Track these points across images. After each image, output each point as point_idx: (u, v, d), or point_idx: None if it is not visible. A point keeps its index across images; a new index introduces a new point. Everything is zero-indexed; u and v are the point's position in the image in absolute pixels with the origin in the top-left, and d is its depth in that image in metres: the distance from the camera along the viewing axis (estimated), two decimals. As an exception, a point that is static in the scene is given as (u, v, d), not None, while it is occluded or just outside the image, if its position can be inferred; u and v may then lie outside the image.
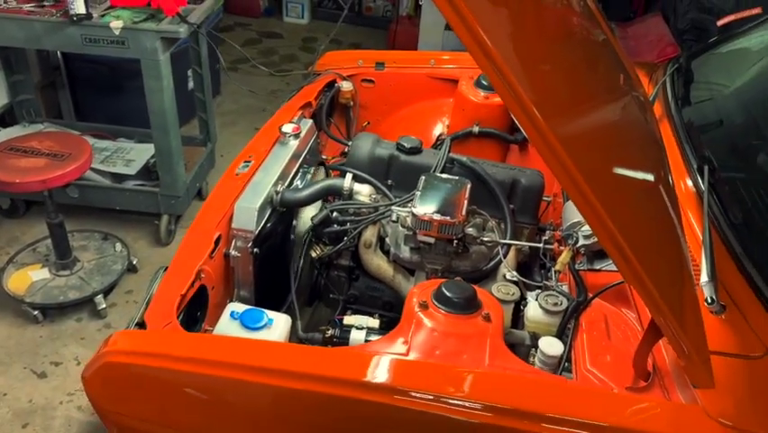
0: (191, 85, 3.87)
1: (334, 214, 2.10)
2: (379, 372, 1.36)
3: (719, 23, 4.07)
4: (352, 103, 2.88)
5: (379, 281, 2.21)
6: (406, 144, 2.21)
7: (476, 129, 2.64)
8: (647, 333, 1.35)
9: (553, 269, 2.02)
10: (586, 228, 1.82)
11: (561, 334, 1.71)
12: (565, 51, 1.51)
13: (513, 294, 1.78)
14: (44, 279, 2.99)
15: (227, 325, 1.63)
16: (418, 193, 1.98)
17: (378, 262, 2.16)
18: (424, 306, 1.56)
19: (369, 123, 2.97)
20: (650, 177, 1.57)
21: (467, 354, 1.46)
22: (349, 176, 2.15)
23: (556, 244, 2.04)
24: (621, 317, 1.71)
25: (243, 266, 2.02)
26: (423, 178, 2.04)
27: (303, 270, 2.15)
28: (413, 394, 1.32)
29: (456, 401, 1.31)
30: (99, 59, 3.67)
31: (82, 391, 2.65)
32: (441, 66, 2.85)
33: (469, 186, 2.03)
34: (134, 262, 3.19)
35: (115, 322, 2.97)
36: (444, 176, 2.07)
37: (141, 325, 1.62)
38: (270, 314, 1.67)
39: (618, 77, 1.85)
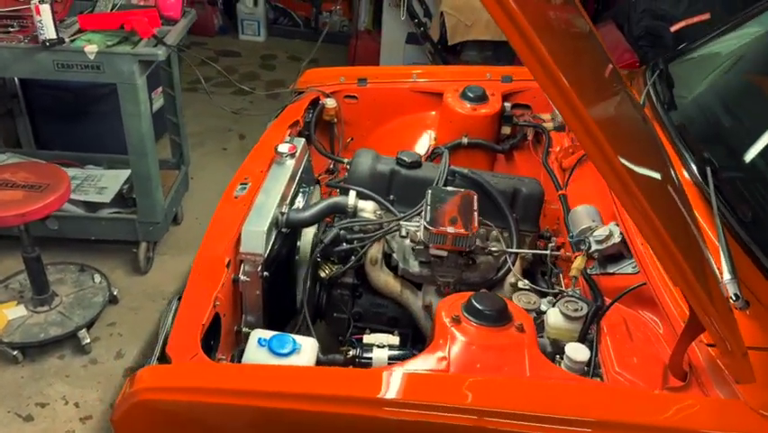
0: (156, 106, 3.77)
1: (341, 232, 2.08)
2: (437, 391, 1.34)
3: (672, 29, 4.24)
4: (336, 120, 2.87)
5: (382, 297, 2.20)
6: (406, 159, 2.21)
7: (465, 140, 2.67)
8: (684, 333, 1.38)
9: (565, 275, 2.06)
10: (598, 233, 1.86)
11: (582, 339, 1.73)
12: (584, 50, 1.55)
13: (534, 303, 1.79)
14: (21, 316, 2.84)
15: (255, 352, 1.58)
16: (428, 207, 1.98)
17: (385, 279, 2.15)
18: (456, 320, 1.56)
19: (352, 139, 2.96)
20: (664, 175, 1.62)
21: (507, 367, 1.47)
22: (353, 193, 2.13)
23: (563, 250, 2.08)
24: (639, 319, 1.75)
25: (252, 291, 1.98)
26: (429, 191, 2.04)
27: (310, 290, 2.12)
28: (479, 412, 1.31)
29: (519, 414, 1.31)
30: (60, 84, 3.56)
31: (74, 432, 2.54)
32: (423, 80, 2.87)
33: (476, 197, 2.04)
34: (115, 293, 3.08)
35: (101, 357, 2.85)
36: (450, 189, 2.08)
37: (164, 359, 1.56)
38: (297, 338, 1.63)
39: (619, 80, 1.90)
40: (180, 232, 3.62)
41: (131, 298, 3.16)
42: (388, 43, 5.26)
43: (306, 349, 1.61)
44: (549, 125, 2.68)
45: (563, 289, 1.86)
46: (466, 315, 1.57)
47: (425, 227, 1.93)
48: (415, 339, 2.26)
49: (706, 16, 4.01)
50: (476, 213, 1.98)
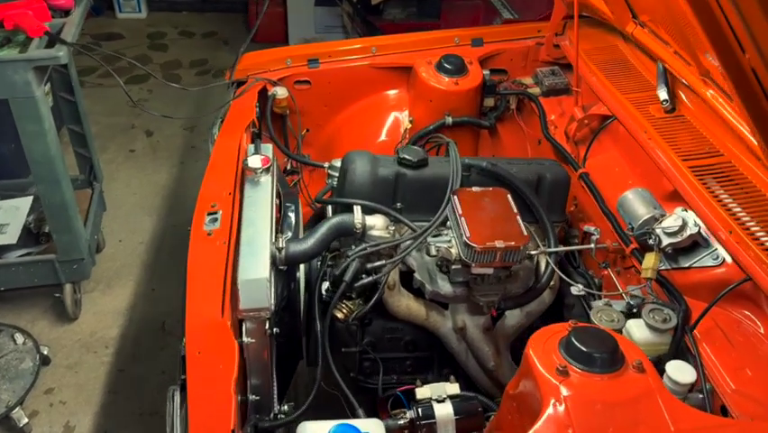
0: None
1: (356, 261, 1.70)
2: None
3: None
4: (288, 111, 2.43)
5: (395, 320, 1.86)
6: (410, 157, 1.83)
7: (449, 120, 2.34)
8: None
9: (612, 269, 1.80)
10: (667, 224, 1.59)
11: (674, 354, 1.48)
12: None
13: (618, 320, 1.51)
14: (-70, 407, 2.26)
15: (315, 458, 1.20)
16: (461, 218, 1.63)
17: (406, 303, 1.81)
18: (563, 372, 1.24)
19: (308, 130, 2.55)
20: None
21: (644, 424, 1.18)
22: (358, 209, 1.75)
23: (608, 242, 1.81)
24: (731, 319, 1.52)
25: (260, 353, 1.57)
26: (455, 198, 1.70)
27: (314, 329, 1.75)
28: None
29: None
30: None
31: None
32: (385, 53, 2.48)
33: (509, 195, 1.72)
34: (45, 352, 2.53)
35: (45, 436, 2.33)
36: (477, 189, 1.74)
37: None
38: (360, 425, 1.26)
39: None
40: (105, 260, 3.07)
41: (65, 353, 2.62)
42: (296, 7, 4.77)
43: (376, 437, 1.25)
44: (536, 90, 2.39)
45: (641, 295, 1.59)
46: (571, 362, 1.26)
47: (465, 244, 1.59)
48: (441, 363, 1.96)
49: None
50: (518, 216, 1.66)
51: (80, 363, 2.59)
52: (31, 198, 2.85)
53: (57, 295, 2.71)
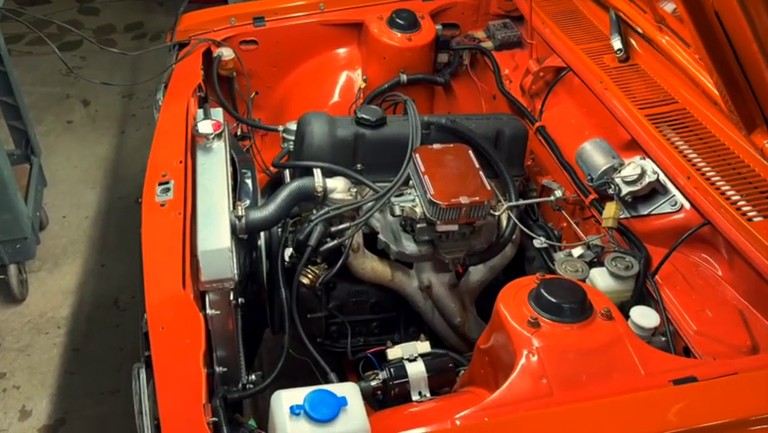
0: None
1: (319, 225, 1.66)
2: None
3: None
4: (235, 73, 2.35)
5: (360, 283, 1.85)
6: (369, 117, 1.79)
7: (404, 78, 2.30)
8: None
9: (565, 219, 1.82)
10: (626, 173, 1.61)
11: (637, 300, 1.51)
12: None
13: (582, 270, 1.53)
14: None
15: (293, 427, 1.17)
16: (425, 176, 1.61)
17: (371, 265, 1.79)
18: (534, 324, 1.25)
19: (257, 92, 2.48)
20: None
21: (617, 370, 1.20)
22: (318, 172, 1.71)
23: (568, 194, 1.82)
24: (690, 262, 1.55)
25: (225, 324, 1.54)
26: (416, 156, 1.68)
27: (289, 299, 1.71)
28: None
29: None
30: None
31: None
32: (334, 9, 2.40)
33: (471, 151, 1.71)
34: (-6, 338, 2.43)
35: (1, 422, 2.24)
36: (438, 146, 1.72)
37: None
38: (335, 389, 1.24)
39: None
40: (50, 238, 2.93)
41: (15, 336, 2.52)
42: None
43: (353, 399, 1.23)
44: (489, 44, 2.36)
45: (601, 244, 1.61)
46: (541, 313, 1.27)
47: (430, 201, 1.57)
48: (406, 323, 1.96)
49: None
50: (481, 172, 1.65)
51: (32, 345, 2.49)
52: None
53: (1, 276, 2.59)
